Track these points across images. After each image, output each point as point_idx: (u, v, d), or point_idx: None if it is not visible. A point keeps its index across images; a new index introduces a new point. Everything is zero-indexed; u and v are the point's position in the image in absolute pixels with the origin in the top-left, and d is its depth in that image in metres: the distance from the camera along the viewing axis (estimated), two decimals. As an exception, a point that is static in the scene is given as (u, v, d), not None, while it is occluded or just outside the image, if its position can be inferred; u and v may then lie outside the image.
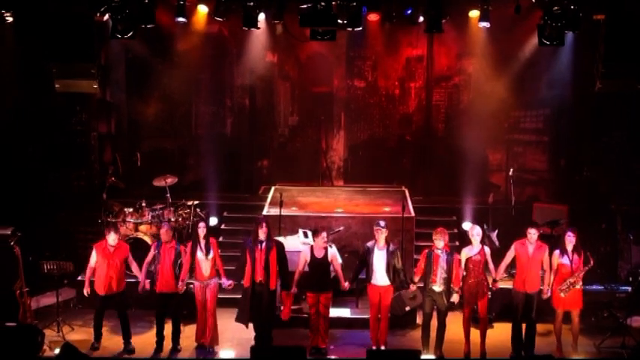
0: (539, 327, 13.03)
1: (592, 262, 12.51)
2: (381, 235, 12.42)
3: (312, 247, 12.55)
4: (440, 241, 12.24)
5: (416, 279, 12.68)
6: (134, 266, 12.87)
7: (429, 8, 14.24)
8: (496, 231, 15.15)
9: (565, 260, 12.48)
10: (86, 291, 12.80)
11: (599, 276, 14.44)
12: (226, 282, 12.63)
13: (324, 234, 12.45)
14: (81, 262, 14.67)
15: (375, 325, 12.71)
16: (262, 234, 12.33)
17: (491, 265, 12.59)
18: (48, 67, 14.13)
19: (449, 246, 12.43)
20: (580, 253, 12.53)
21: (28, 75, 15.47)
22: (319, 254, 12.46)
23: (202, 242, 12.59)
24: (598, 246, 15.30)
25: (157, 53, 17.45)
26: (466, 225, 15.67)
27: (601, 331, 13.35)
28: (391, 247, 12.48)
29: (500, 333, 13.20)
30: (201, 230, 12.61)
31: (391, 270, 12.41)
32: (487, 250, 12.60)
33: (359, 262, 12.78)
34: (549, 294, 12.52)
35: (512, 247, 12.59)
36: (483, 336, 12.63)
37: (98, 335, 12.83)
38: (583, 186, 16.84)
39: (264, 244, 12.34)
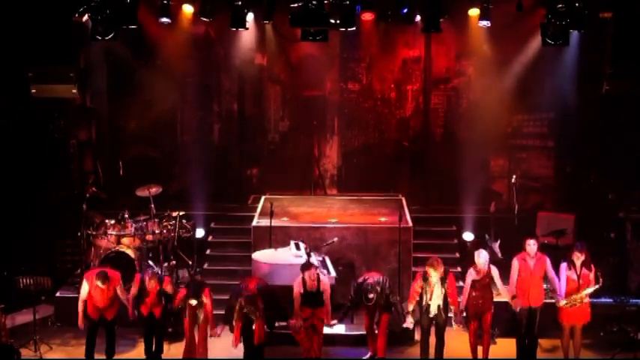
0: (546, 343, 13.02)
1: (601, 282, 12.26)
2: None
3: (303, 278, 12.13)
4: (435, 275, 11.98)
5: (410, 306, 12.35)
6: (124, 297, 12.48)
7: (426, 6, 14.13)
8: (498, 241, 14.94)
9: (573, 275, 12.22)
10: (80, 325, 12.41)
11: (608, 288, 13.90)
12: (217, 331, 12.33)
13: (314, 271, 12.10)
14: (59, 277, 14.73)
15: (371, 334, 12.66)
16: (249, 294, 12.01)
17: (499, 284, 12.32)
18: (24, 71, 13.97)
19: (443, 272, 12.17)
20: (590, 268, 12.26)
21: (2, 79, 15.14)
22: (312, 286, 12.13)
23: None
24: (607, 256, 14.97)
25: (140, 56, 17.19)
26: (467, 235, 15.59)
27: (610, 347, 13.08)
28: (383, 282, 12.36)
29: (505, 349, 12.95)
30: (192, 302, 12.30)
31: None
32: (495, 271, 12.33)
33: (350, 301, 12.57)
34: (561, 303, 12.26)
35: (515, 263, 12.32)
36: (486, 352, 12.45)
37: (90, 356, 12.49)
38: (590, 193, 16.59)
39: None
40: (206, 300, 12.08)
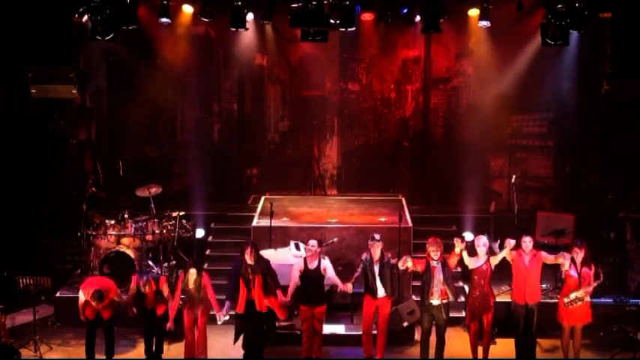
0: (546, 343, 13.07)
1: (602, 278, 12.21)
2: (377, 248, 12.24)
3: (304, 258, 12.33)
4: (437, 253, 12.02)
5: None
6: (122, 301, 12.51)
7: (426, 7, 14.08)
8: (498, 242, 14.61)
9: (573, 272, 12.19)
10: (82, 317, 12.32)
11: (608, 288, 14.15)
12: (221, 315, 12.19)
13: (312, 242, 12.23)
14: (59, 277, 14.68)
15: (369, 339, 12.45)
16: (250, 259, 12.10)
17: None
18: (23, 71, 13.81)
19: (443, 256, 12.16)
20: (590, 266, 12.24)
21: (2, 79, 15.23)
22: (312, 265, 12.20)
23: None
24: (606, 256, 15.12)
25: (140, 56, 17.21)
26: (467, 235, 15.32)
27: (610, 347, 13.11)
28: (390, 261, 12.31)
29: (504, 349, 12.94)
30: (192, 277, 12.26)
31: (388, 282, 12.25)
32: (493, 261, 12.35)
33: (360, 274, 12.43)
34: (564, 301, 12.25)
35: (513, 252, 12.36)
36: (486, 352, 12.45)
37: (91, 356, 12.49)
38: (590, 193, 16.67)
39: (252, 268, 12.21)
40: (205, 282, 12.17)
